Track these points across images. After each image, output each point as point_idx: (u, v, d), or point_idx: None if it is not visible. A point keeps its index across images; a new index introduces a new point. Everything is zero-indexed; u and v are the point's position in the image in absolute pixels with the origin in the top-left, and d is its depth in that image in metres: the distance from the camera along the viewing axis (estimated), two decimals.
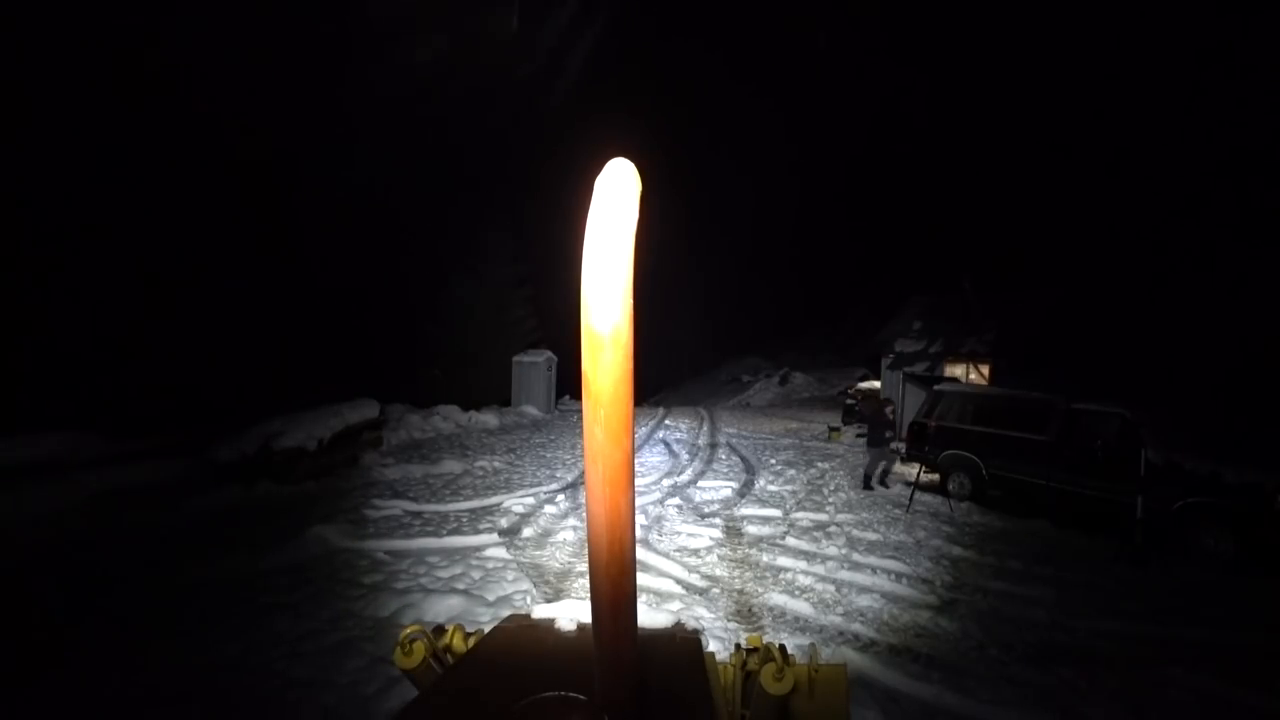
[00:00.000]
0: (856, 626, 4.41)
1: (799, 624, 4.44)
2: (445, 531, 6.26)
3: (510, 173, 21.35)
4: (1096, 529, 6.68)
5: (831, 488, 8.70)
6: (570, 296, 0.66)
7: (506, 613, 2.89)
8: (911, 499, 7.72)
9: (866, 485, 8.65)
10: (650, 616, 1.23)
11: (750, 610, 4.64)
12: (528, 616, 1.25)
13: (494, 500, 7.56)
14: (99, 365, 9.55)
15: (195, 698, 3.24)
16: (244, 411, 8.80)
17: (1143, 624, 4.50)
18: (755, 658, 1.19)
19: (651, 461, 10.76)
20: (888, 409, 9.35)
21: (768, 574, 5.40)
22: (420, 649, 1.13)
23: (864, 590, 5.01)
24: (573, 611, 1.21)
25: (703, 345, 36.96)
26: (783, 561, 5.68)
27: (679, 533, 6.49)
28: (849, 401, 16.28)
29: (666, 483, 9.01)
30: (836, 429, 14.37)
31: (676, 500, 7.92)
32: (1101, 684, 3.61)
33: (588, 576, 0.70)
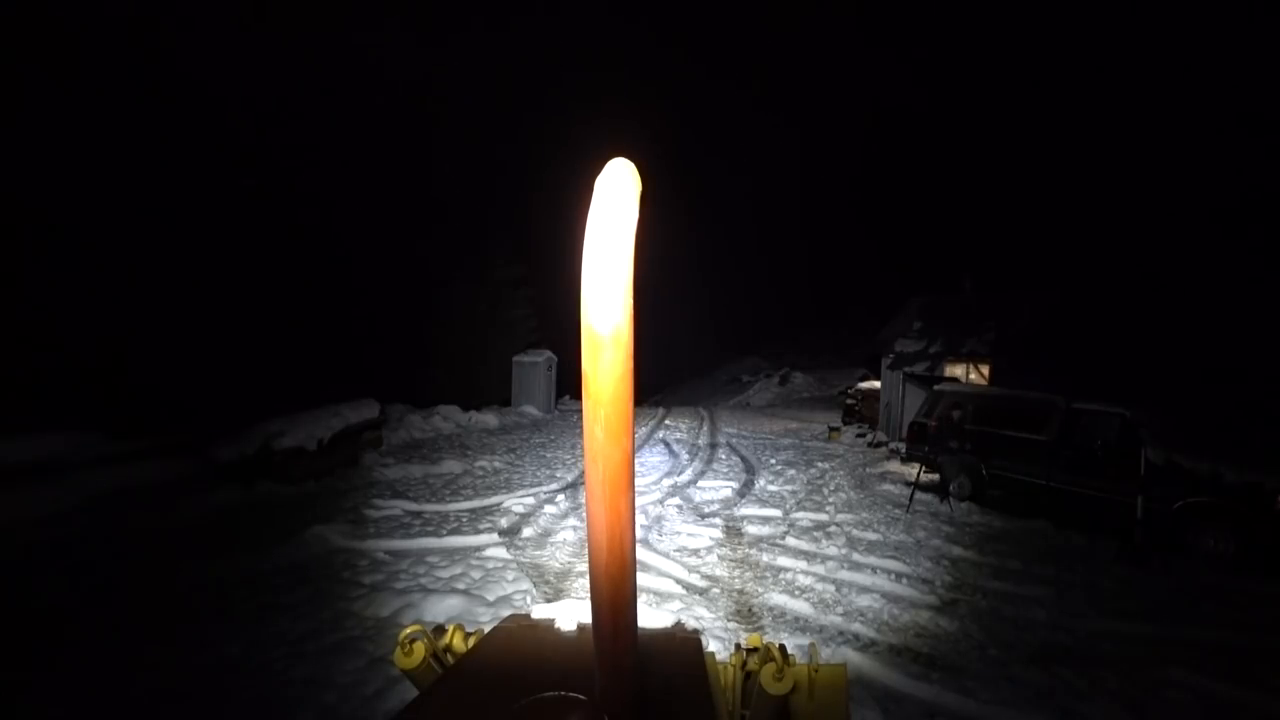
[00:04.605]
0: (856, 626, 4.41)
1: (799, 624, 4.44)
2: (445, 531, 6.26)
3: (510, 172, 21.35)
4: (1096, 529, 6.68)
5: (831, 488, 8.70)
6: (570, 296, 0.66)
7: (506, 613, 2.90)
8: (911, 499, 7.72)
9: (944, 498, 7.89)
10: (650, 616, 1.23)
11: (750, 610, 4.64)
12: (528, 616, 1.25)
13: (494, 500, 7.56)
14: (99, 365, 9.54)
15: (195, 698, 3.24)
16: (244, 411, 8.79)
17: (1143, 624, 4.50)
18: (755, 658, 1.19)
19: (651, 461, 10.76)
20: (954, 413, 8.31)
21: (768, 574, 5.40)
22: (420, 649, 1.13)
23: (864, 590, 5.01)
24: (573, 611, 1.22)
25: (703, 345, 37.00)
26: (783, 561, 5.68)
27: (679, 533, 6.49)
28: (849, 401, 16.28)
29: (666, 482, 9.00)
30: (836, 429, 14.38)
31: (676, 500, 7.92)
32: (1101, 684, 3.62)
33: (588, 576, 0.70)
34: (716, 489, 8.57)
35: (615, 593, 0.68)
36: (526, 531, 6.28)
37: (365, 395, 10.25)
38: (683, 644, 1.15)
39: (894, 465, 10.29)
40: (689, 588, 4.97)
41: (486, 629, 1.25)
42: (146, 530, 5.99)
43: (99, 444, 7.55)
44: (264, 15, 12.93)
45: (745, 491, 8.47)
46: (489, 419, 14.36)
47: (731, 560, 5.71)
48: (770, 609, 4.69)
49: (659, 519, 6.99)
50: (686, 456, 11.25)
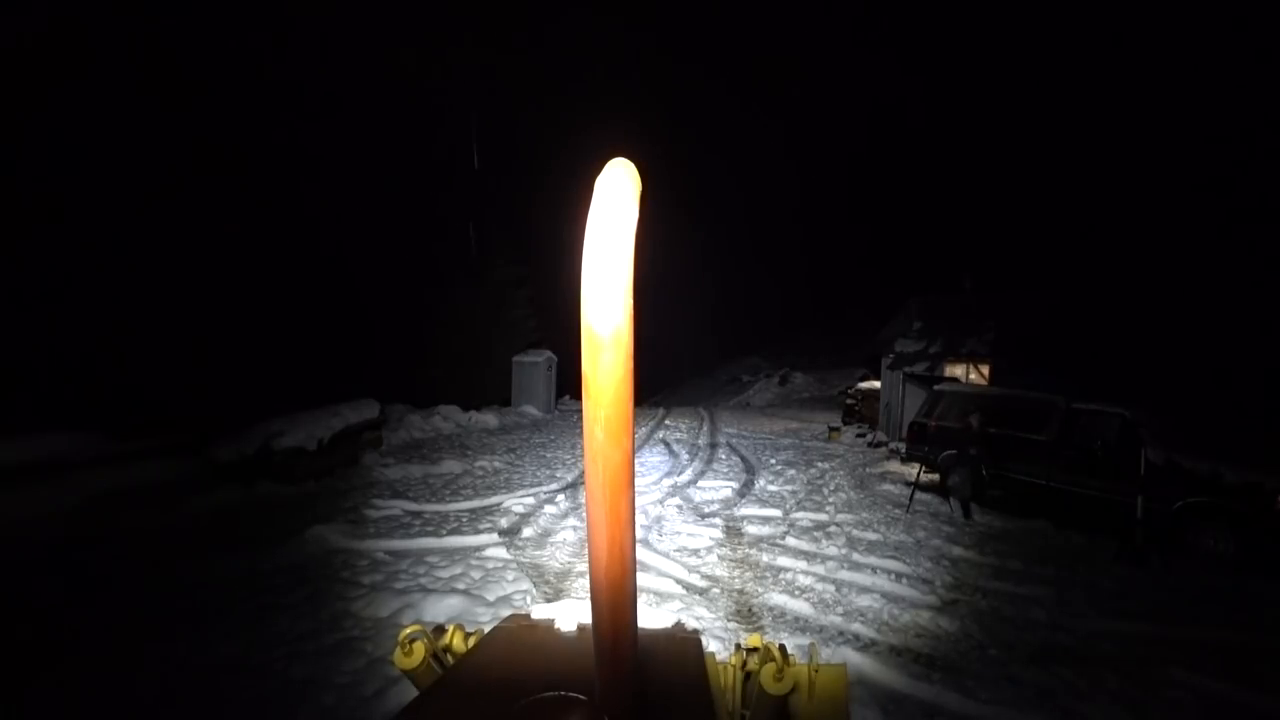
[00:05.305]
0: (856, 626, 4.41)
1: (799, 624, 4.44)
2: (445, 531, 6.26)
3: (511, 172, 21.36)
4: (1096, 529, 6.68)
5: (831, 488, 8.70)
6: (570, 296, 0.66)
7: (506, 613, 2.89)
8: (911, 499, 7.72)
9: (966, 514, 7.34)
10: (650, 616, 1.23)
11: (750, 610, 4.64)
12: (528, 616, 1.25)
13: (494, 500, 7.56)
14: (99, 365, 9.54)
15: (195, 698, 3.24)
16: (244, 411, 8.79)
17: (1143, 624, 4.50)
18: (755, 658, 1.19)
19: (651, 461, 10.76)
20: (972, 419, 7.85)
21: (768, 574, 5.40)
22: (420, 649, 1.13)
23: (864, 590, 5.01)
24: (573, 611, 1.22)
25: (703, 345, 36.96)
26: (783, 561, 5.68)
27: (679, 533, 6.49)
28: (849, 401, 16.28)
29: (666, 482, 9.00)
30: (836, 429, 14.39)
31: (676, 500, 7.92)
32: (1101, 684, 3.62)
33: (588, 576, 0.70)
34: (716, 489, 8.57)
35: (615, 593, 0.68)
36: (526, 531, 6.28)
37: (365, 395, 10.25)
38: (683, 644, 1.15)
39: (894, 465, 10.29)
40: (689, 588, 4.97)
41: (486, 629, 1.25)
42: (146, 530, 6.00)
43: (99, 444, 7.55)
44: (265, 14, 12.93)
45: (745, 491, 8.47)
46: (489, 419, 14.36)
47: (731, 560, 5.70)
48: (770, 609, 4.69)
49: (659, 519, 6.99)
50: (686, 456, 11.25)
